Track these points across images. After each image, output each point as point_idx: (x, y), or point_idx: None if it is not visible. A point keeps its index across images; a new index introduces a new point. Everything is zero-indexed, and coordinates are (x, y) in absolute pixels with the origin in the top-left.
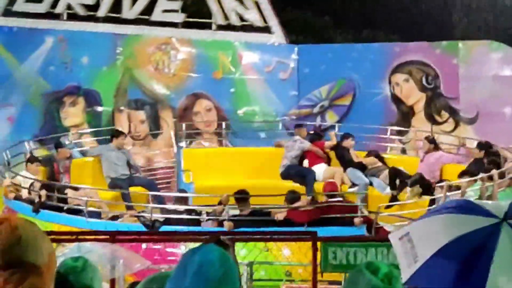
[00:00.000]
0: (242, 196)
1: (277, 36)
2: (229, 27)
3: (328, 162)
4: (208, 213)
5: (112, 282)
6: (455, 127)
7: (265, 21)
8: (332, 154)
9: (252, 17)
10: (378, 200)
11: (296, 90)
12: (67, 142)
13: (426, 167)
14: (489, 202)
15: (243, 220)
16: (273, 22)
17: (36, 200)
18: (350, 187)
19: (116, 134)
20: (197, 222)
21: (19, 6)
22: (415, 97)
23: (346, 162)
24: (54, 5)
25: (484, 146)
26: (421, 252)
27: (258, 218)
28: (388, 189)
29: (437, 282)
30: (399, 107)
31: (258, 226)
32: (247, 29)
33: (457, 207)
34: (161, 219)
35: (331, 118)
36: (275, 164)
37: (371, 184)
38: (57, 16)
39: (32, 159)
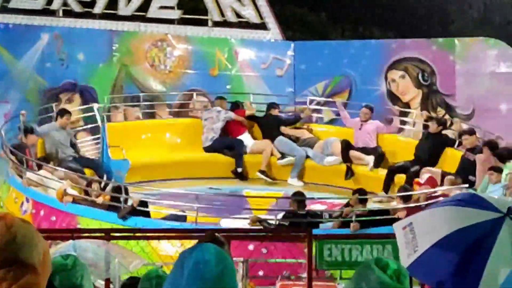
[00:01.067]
0: (300, 198)
1: (274, 33)
2: (225, 24)
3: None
4: (330, 215)
5: (107, 281)
6: (451, 124)
7: (261, 17)
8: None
9: (249, 13)
10: (315, 171)
11: (292, 87)
12: None
13: (363, 135)
14: (495, 197)
15: (368, 221)
16: (270, 18)
17: (124, 205)
18: (279, 158)
19: (61, 113)
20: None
21: (15, 3)
22: (411, 94)
23: (273, 132)
24: (50, 1)
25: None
26: (421, 242)
27: (381, 218)
28: (328, 159)
29: (434, 273)
30: (395, 104)
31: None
32: (243, 25)
33: (462, 200)
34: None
35: (327, 114)
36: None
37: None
38: (53, 13)
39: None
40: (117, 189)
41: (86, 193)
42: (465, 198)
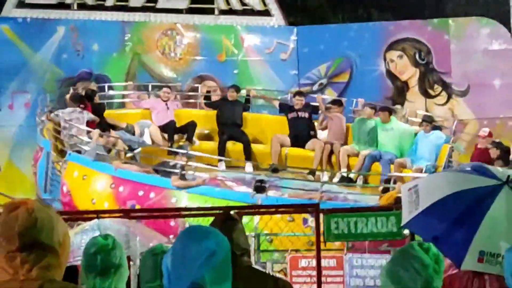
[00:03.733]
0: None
1: (277, 19)
2: (231, 12)
3: None
4: None
5: (127, 258)
6: (448, 100)
7: (264, 4)
8: None
9: (252, 1)
10: None
11: (296, 70)
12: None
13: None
14: (499, 168)
15: None
16: (273, 5)
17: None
18: None
19: None
20: None
21: None
22: (409, 73)
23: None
24: None
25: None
26: (422, 201)
27: None
28: None
29: (428, 230)
30: (394, 83)
31: None
32: (248, 13)
33: (470, 167)
34: None
35: (330, 94)
36: None
37: None
38: (68, 6)
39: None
40: None
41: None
42: (472, 166)
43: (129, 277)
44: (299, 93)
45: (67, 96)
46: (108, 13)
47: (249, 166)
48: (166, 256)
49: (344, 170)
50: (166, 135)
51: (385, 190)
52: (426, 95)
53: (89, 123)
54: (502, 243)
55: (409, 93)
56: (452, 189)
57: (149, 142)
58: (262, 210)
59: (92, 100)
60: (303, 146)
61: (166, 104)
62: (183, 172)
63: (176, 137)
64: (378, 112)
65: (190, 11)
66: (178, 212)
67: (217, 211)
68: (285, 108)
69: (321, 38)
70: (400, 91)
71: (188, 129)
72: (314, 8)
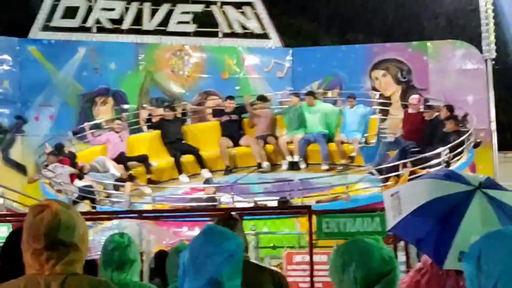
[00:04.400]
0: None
1: (274, 41)
2: (233, 35)
3: None
4: None
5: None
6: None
7: (263, 28)
8: None
9: (252, 25)
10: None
11: (291, 86)
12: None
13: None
14: (471, 174)
15: None
16: (270, 29)
17: None
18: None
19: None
20: None
21: (56, 22)
22: (392, 89)
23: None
24: (85, 20)
25: None
26: (405, 207)
27: None
28: None
29: (413, 232)
30: (379, 98)
31: None
32: (248, 36)
33: (443, 174)
34: None
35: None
36: None
37: None
38: (88, 30)
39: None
40: None
41: None
42: (446, 173)
43: (142, 271)
44: (229, 97)
45: (46, 151)
46: (124, 35)
47: (205, 172)
48: (183, 253)
49: (289, 157)
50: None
51: (387, 179)
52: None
53: (72, 176)
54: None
55: (392, 108)
56: (432, 195)
57: (118, 174)
58: (260, 211)
59: (61, 152)
60: (237, 146)
61: (120, 136)
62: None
63: (132, 164)
64: (304, 97)
65: (197, 34)
66: (186, 213)
67: (221, 212)
68: (217, 113)
69: (313, 58)
70: (384, 106)
71: (142, 159)
72: (308, 32)
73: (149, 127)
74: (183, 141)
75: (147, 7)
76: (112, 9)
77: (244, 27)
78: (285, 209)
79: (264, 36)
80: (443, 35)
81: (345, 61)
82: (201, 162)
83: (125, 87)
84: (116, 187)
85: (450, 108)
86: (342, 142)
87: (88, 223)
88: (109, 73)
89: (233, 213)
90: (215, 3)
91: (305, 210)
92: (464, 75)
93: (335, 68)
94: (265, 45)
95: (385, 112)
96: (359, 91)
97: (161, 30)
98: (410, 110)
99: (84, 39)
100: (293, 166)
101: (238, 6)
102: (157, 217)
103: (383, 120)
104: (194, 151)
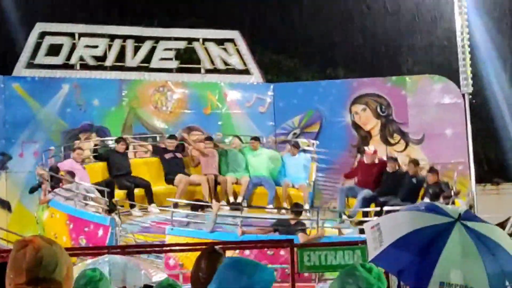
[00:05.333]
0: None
1: (256, 77)
2: (215, 71)
3: None
4: None
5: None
6: (406, 147)
7: (245, 64)
8: None
9: (234, 61)
10: None
11: (273, 121)
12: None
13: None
14: (449, 206)
15: None
16: (252, 65)
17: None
18: None
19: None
20: None
21: (40, 59)
22: (372, 123)
23: None
24: (68, 57)
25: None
26: (386, 238)
27: None
28: None
29: (394, 264)
30: (358, 132)
31: None
32: (230, 72)
33: (422, 207)
34: None
35: (303, 144)
36: None
37: None
38: (71, 67)
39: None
40: None
41: None
42: (426, 205)
43: None
44: (171, 137)
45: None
46: (107, 72)
47: (153, 207)
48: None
49: (232, 198)
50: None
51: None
52: (387, 143)
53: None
54: (456, 271)
55: (372, 141)
56: (412, 227)
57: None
58: (243, 245)
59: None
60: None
61: (81, 164)
62: None
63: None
64: (250, 141)
65: (180, 70)
66: (169, 248)
67: (203, 246)
68: (159, 150)
69: (294, 94)
70: (364, 139)
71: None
72: (288, 67)
73: (95, 157)
74: (131, 174)
75: (130, 44)
76: (96, 46)
77: (226, 63)
78: (268, 242)
79: (246, 72)
80: (421, 70)
81: (326, 96)
82: (150, 196)
83: (108, 123)
84: (195, 207)
85: (415, 162)
86: (288, 186)
87: None
88: (93, 109)
89: (216, 246)
90: (197, 39)
91: (287, 244)
92: (442, 109)
93: (316, 103)
94: (246, 81)
95: (365, 146)
96: (339, 125)
97: (144, 66)
98: (365, 160)
99: (68, 76)
100: (236, 206)
101: (220, 42)
102: (139, 252)
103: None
104: (146, 184)
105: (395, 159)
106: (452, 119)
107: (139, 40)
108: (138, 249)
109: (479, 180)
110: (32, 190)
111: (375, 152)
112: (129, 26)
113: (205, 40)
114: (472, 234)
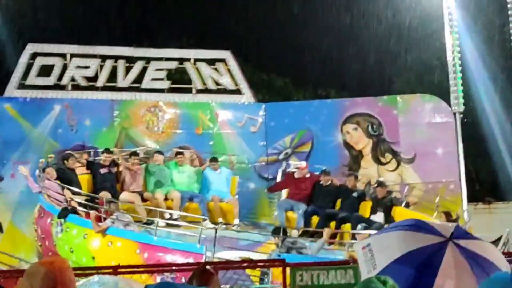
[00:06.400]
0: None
1: (247, 97)
2: (206, 91)
3: None
4: None
5: None
6: (397, 166)
7: (236, 84)
8: None
9: (225, 81)
10: None
11: (265, 141)
12: None
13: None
14: (438, 222)
15: None
16: (243, 85)
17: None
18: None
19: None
20: None
21: (31, 80)
22: (363, 143)
23: None
24: (60, 78)
25: None
26: (379, 261)
27: None
28: None
29: None
30: (350, 152)
31: None
32: (221, 92)
33: (411, 225)
34: None
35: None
36: None
37: None
38: (63, 87)
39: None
40: None
41: None
42: (414, 223)
43: None
44: (107, 151)
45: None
46: (98, 92)
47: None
48: None
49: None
50: None
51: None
52: (378, 162)
53: None
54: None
55: (363, 161)
56: (405, 248)
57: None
58: (235, 265)
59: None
60: (116, 198)
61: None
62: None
63: None
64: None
65: (171, 90)
66: (162, 268)
67: (194, 266)
68: (93, 165)
69: (286, 113)
70: (356, 159)
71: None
72: (280, 87)
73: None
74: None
75: (121, 64)
76: (87, 67)
77: (217, 83)
78: (260, 262)
79: (237, 91)
80: (412, 89)
81: (317, 116)
82: None
83: (100, 143)
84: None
85: (356, 177)
86: (217, 202)
87: None
88: (84, 130)
89: (208, 266)
90: (188, 60)
91: (279, 263)
92: (434, 128)
93: (307, 123)
94: (238, 101)
95: (356, 166)
96: (331, 145)
97: (136, 87)
98: (296, 175)
99: (60, 97)
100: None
101: (211, 62)
102: (132, 272)
103: (356, 177)
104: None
105: (328, 173)
106: (444, 138)
107: (131, 60)
108: (130, 269)
109: (471, 199)
110: (63, 215)
111: (306, 166)
112: (121, 46)
113: (196, 60)
114: (466, 254)
